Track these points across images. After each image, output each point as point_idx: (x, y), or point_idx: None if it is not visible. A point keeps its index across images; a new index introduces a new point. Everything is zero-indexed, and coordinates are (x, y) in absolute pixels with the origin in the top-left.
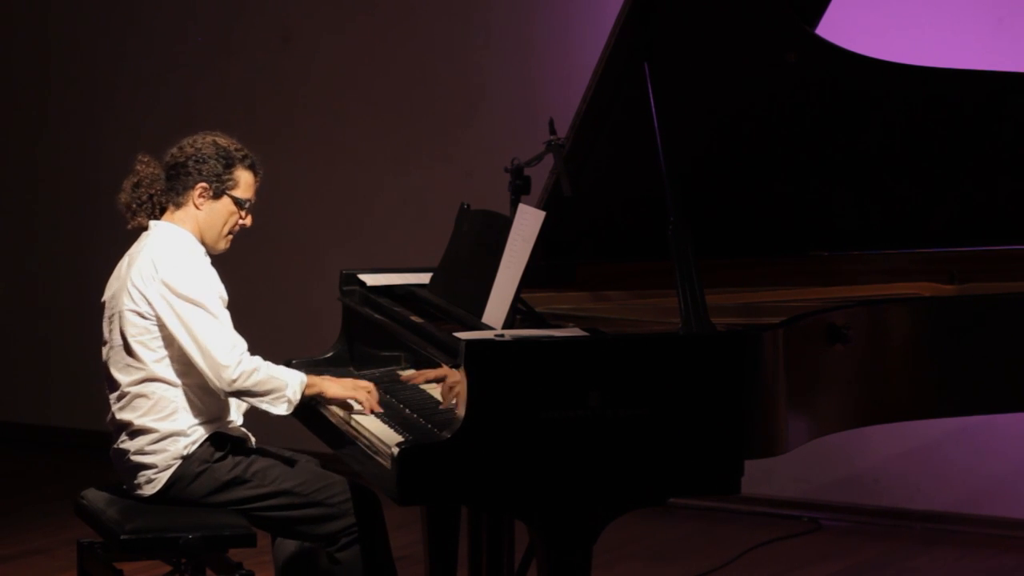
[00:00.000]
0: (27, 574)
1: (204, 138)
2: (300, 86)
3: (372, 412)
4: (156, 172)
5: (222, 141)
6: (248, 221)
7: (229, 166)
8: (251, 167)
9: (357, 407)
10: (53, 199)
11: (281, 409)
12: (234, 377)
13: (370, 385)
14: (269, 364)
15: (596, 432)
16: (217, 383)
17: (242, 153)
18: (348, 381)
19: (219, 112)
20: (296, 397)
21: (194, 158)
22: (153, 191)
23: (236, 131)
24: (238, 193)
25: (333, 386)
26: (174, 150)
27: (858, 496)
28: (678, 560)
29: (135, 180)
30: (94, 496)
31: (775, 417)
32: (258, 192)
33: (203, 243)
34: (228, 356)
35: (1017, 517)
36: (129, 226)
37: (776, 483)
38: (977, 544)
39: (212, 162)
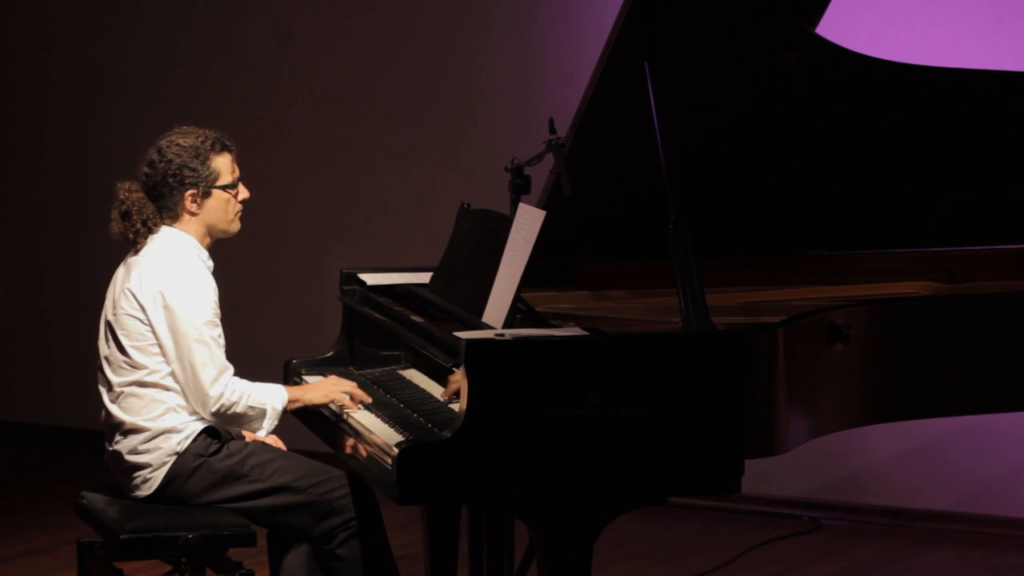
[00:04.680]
0: (28, 573)
1: (169, 148)
2: (300, 86)
3: (361, 405)
4: (140, 196)
5: (184, 140)
6: (246, 194)
7: (204, 162)
8: (222, 149)
9: (343, 403)
10: (54, 199)
11: (260, 434)
12: (214, 409)
13: (348, 384)
14: (252, 390)
15: (596, 432)
16: (196, 406)
17: (209, 141)
18: (327, 383)
19: (219, 111)
20: (272, 424)
21: (169, 172)
22: (144, 216)
23: (236, 131)
24: (223, 181)
25: (314, 394)
26: (146, 168)
27: (858, 496)
28: (678, 560)
29: (122, 209)
30: (94, 496)
31: (775, 417)
32: (239, 162)
33: (214, 236)
34: (213, 387)
35: (1017, 517)
36: (132, 253)
37: (776, 483)
38: (977, 544)
39: (187, 167)
